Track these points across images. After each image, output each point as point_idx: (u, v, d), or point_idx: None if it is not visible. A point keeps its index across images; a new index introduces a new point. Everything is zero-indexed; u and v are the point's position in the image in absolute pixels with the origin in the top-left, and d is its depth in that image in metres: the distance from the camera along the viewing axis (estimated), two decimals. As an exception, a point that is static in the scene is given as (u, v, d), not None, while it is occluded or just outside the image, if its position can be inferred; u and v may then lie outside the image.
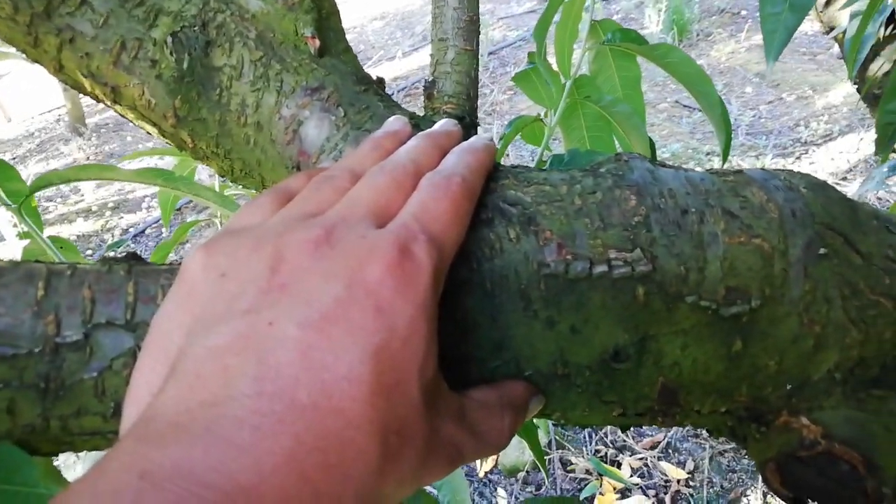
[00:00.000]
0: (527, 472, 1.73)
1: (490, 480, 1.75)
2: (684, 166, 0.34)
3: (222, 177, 0.38)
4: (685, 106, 3.31)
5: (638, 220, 0.26)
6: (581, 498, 1.57)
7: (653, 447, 1.77)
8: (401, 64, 4.65)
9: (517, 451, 1.72)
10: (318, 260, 0.21)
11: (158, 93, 0.34)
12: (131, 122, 0.37)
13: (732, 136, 2.98)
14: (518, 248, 0.26)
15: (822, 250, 0.26)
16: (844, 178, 2.59)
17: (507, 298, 0.26)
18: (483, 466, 1.76)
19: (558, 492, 1.67)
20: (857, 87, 1.08)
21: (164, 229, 3.13)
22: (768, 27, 0.43)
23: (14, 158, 4.39)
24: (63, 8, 0.33)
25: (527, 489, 1.71)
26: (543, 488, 1.70)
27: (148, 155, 0.90)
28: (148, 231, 3.25)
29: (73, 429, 0.25)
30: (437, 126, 0.32)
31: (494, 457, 1.75)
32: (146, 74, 0.34)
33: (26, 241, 0.60)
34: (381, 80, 0.38)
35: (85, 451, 0.28)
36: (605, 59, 0.65)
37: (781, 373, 0.27)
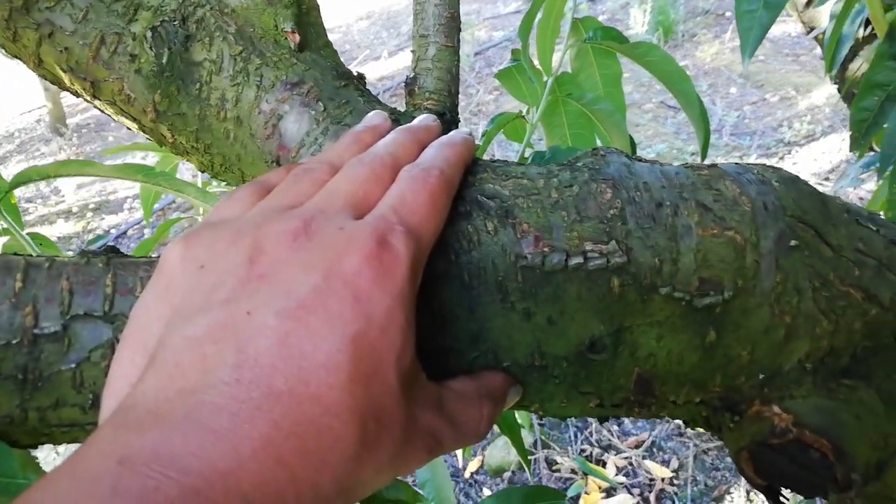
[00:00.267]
0: (512, 472, 1.73)
1: (476, 481, 1.76)
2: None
3: (202, 172, 0.38)
4: (670, 106, 3.33)
5: (613, 213, 0.27)
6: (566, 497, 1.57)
7: (637, 446, 1.78)
8: (386, 64, 4.65)
9: (503, 452, 1.73)
10: (297, 251, 0.22)
11: (138, 87, 0.34)
12: (111, 117, 0.37)
13: (717, 136, 3.02)
14: (496, 241, 0.26)
15: (793, 242, 0.27)
16: (827, 178, 2.62)
17: (485, 290, 0.26)
18: (469, 467, 1.76)
19: (544, 491, 1.67)
20: (837, 87, 1.09)
21: (146, 231, 3.11)
22: (744, 24, 0.44)
23: (-6, 158, 4.36)
24: (42, 2, 0.33)
25: (512, 489, 1.71)
26: (529, 487, 1.70)
27: (129, 150, 0.89)
28: (130, 232, 3.22)
29: (51, 420, 0.25)
30: (416, 121, 0.32)
31: (480, 457, 1.76)
32: (126, 69, 0.34)
33: (5, 238, 0.60)
34: (361, 76, 0.38)
35: (65, 447, 0.27)
36: (587, 57, 0.65)
37: (754, 363, 0.27)
